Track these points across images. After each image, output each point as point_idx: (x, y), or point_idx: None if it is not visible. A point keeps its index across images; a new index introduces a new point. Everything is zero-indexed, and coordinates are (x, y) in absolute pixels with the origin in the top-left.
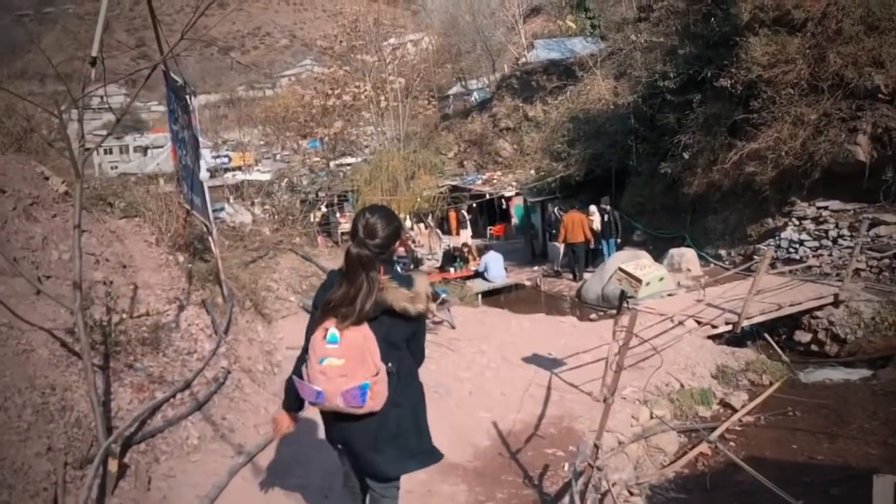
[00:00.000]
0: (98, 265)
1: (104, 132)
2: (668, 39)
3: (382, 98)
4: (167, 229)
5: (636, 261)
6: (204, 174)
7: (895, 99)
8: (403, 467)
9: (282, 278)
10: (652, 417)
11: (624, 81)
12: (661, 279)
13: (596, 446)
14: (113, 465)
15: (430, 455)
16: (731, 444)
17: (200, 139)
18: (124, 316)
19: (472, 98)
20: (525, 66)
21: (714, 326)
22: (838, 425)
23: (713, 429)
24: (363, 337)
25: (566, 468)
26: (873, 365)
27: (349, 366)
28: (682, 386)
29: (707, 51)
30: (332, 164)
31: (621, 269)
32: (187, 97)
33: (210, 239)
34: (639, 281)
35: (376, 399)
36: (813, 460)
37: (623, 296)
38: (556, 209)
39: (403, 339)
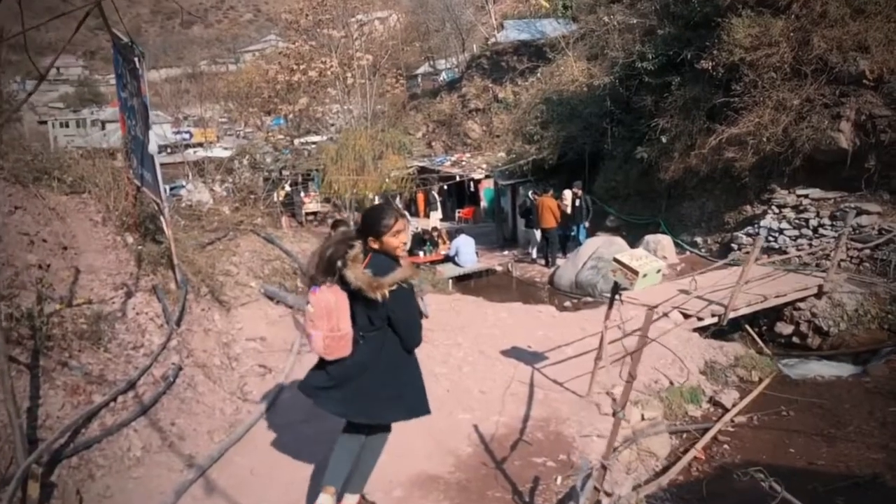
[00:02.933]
0: (32, 246)
1: (60, 105)
2: (646, 19)
3: (349, 75)
4: (115, 207)
5: (631, 251)
6: (153, 147)
7: (880, 85)
8: (365, 415)
9: (242, 262)
10: (643, 419)
11: (597, 63)
12: (659, 271)
13: (604, 467)
14: (33, 489)
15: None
16: (725, 446)
17: (160, 113)
18: (59, 306)
19: (441, 78)
20: (495, 46)
21: (700, 319)
22: (835, 426)
23: (705, 430)
24: (335, 299)
25: (558, 482)
26: (857, 359)
27: (315, 315)
28: (671, 383)
29: (687, 32)
30: (296, 141)
31: (616, 260)
32: (136, 60)
33: (162, 218)
34: (635, 273)
35: (328, 350)
36: (813, 466)
37: (616, 287)
38: (530, 193)
39: (380, 318)
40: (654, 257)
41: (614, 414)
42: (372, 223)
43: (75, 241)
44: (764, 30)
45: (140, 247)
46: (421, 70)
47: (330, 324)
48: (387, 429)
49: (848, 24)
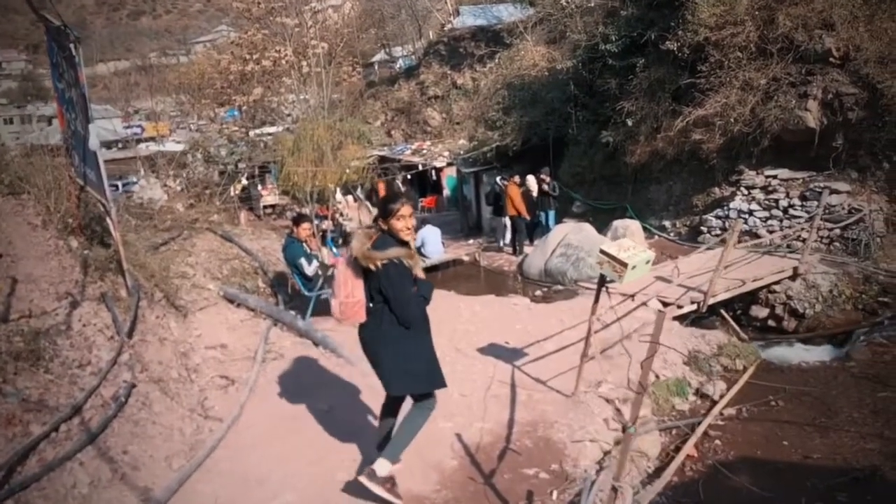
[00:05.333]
0: None
1: (3, 101)
2: (607, 1)
3: (304, 63)
4: (56, 209)
5: (619, 241)
6: (94, 142)
7: (846, 63)
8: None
9: (198, 262)
10: None
11: (556, 47)
12: (648, 262)
13: (615, 489)
14: None
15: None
16: (717, 442)
17: (109, 107)
18: None
19: (398, 65)
20: (452, 32)
21: (680, 306)
22: (826, 416)
23: (694, 425)
24: (350, 273)
25: (554, 496)
26: (833, 340)
27: (336, 283)
28: (656, 377)
29: (650, 12)
30: (251, 133)
31: (603, 252)
32: (71, 46)
33: (108, 220)
34: (623, 265)
35: (345, 314)
36: (809, 459)
37: (603, 280)
38: (498, 179)
39: (378, 291)
40: (642, 247)
41: (624, 429)
42: (382, 207)
43: (11, 247)
44: (728, 8)
45: (86, 251)
46: (377, 58)
47: (346, 291)
48: (429, 401)
49: (813, 1)
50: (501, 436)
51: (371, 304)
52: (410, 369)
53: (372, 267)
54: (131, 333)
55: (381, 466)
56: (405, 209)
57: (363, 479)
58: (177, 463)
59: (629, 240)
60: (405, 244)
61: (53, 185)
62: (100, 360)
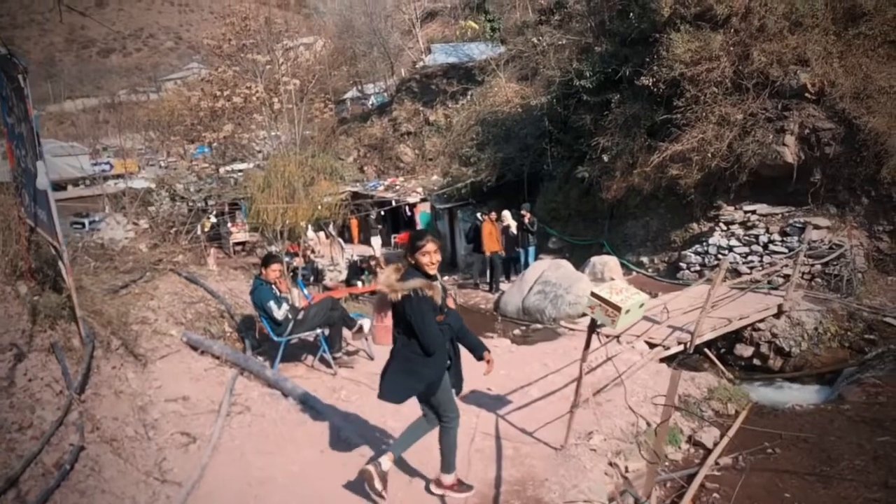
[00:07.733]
0: None
1: None
2: (581, 37)
3: (276, 100)
4: (5, 252)
5: (610, 283)
6: (43, 181)
7: (822, 98)
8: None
9: (161, 306)
10: (627, 471)
11: (529, 84)
12: (642, 305)
13: None
14: None
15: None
16: (715, 495)
17: (76, 144)
18: None
19: (370, 102)
20: (424, 69)
21: (666, 347)
22: (827, 464)
23: (690, 476)
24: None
25: None
26: (821, 379)
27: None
28: (647, 424)
29: (624, 48)
30: (221, 170)
31: (594, 295)
32: (20, 77)
33: (60, 263)
34: (617, 309)
35: (376, 336)
36: None
37: (594, 325)
38: (478, 215)
39: (402, 319)
40: (635, 289)
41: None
42: (411, 243)
43: None
44: (703, 44)
45: (36, 297)
46: (349, 94)
47: (377, 317)
48: (450, 419)
49: (786, 37)
50: (488, 497)
51: (396, 331)
52: (407, 383)
53: (393, 297)
54: (83, 387)
55: (447, 479)
56: (430, 245)
57: (369, 467)
58: None
59: (621, 282)
60: (430, 277)
61: (2, 225)
62: (43, 420)
